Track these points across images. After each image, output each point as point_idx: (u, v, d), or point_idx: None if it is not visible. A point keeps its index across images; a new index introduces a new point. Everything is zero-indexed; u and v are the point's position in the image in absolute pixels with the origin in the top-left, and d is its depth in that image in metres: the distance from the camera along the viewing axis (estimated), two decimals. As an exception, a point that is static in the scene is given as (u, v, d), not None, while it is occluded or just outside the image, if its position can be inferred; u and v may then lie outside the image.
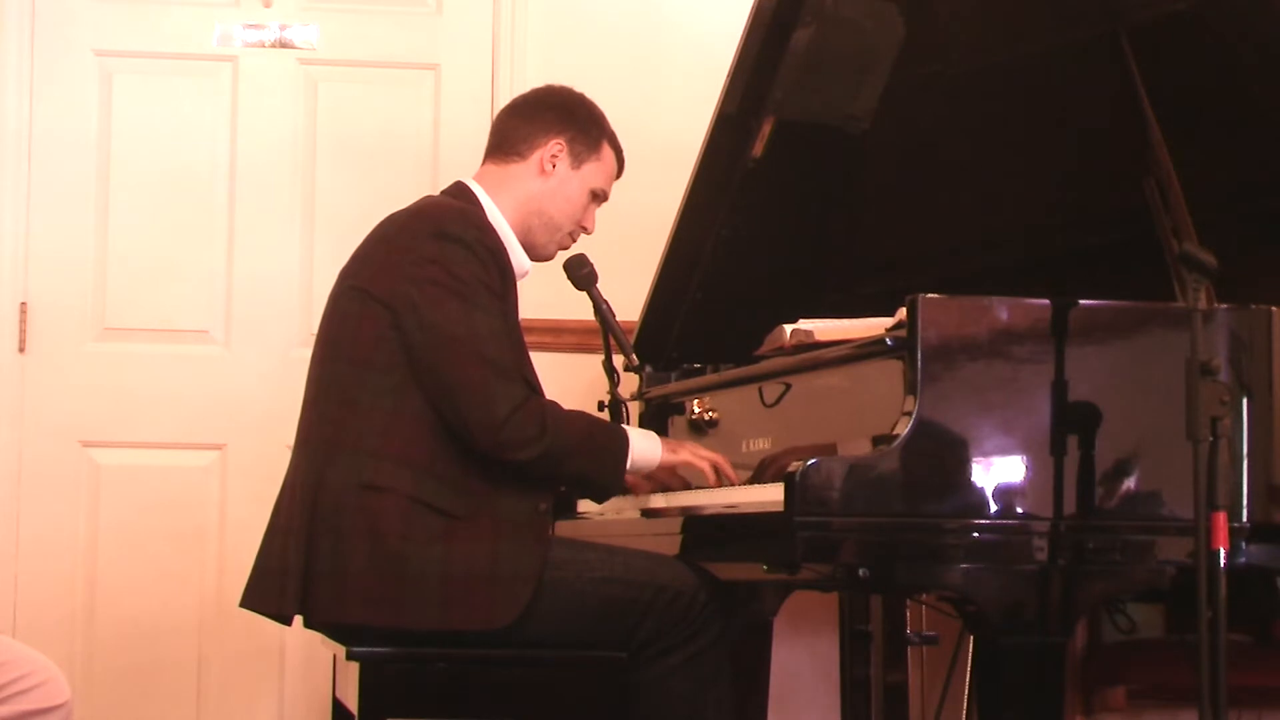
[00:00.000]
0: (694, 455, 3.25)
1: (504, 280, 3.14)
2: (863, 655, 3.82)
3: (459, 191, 3.29)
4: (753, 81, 3.66)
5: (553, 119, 3.31)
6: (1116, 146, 3.29)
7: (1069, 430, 2.82)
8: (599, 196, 3.36)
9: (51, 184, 4.49)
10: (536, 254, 3.33)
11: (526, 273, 3.30)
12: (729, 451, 3.39)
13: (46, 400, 4.45)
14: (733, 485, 3.24)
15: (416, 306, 3.07)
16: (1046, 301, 2.86)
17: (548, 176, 3.29)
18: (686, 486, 3.31)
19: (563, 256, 3.43)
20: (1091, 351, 2.86)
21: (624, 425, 3.29)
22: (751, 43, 3.62)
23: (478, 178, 3.31)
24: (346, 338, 3.14)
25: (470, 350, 3.05)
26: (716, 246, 3.80)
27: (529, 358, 3.19)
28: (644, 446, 3.20)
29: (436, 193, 3.38)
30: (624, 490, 3.26)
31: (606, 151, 3.34)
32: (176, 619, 4.44)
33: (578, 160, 3.31)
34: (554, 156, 3.29)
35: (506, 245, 3.20)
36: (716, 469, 3.25)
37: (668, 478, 3.29)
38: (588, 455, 3.13)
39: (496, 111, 3.53)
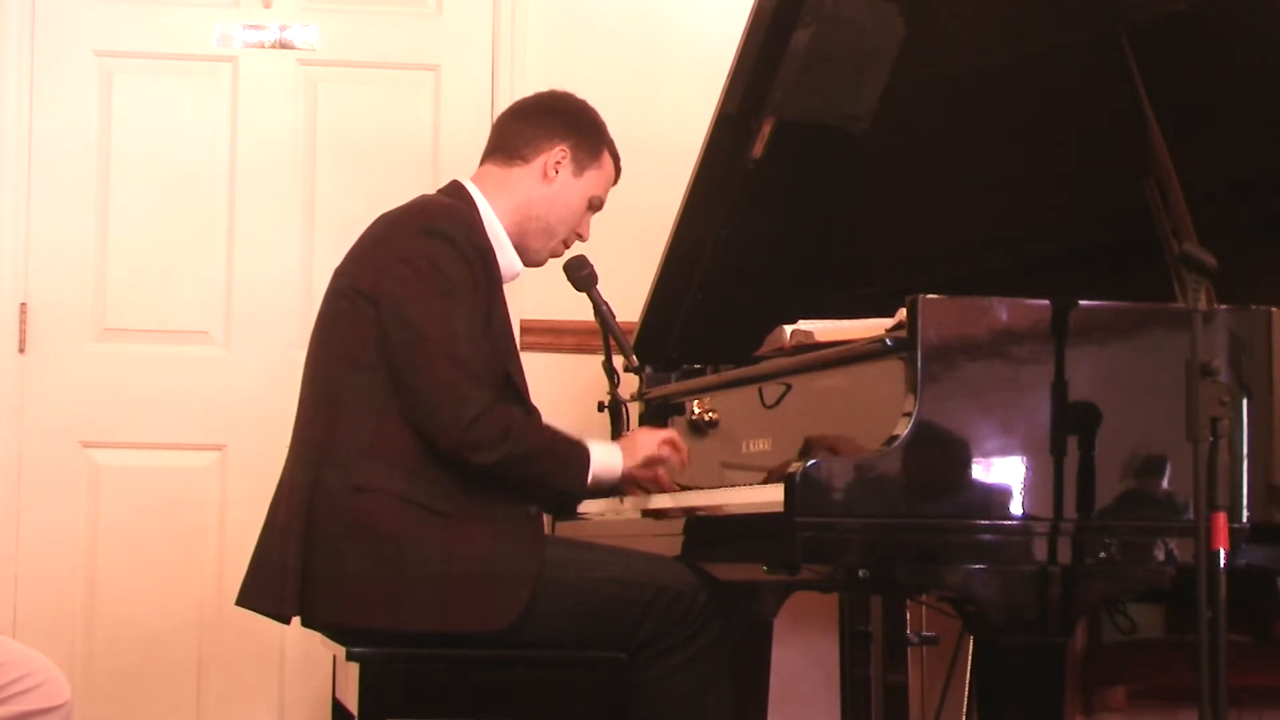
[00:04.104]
0: (648, 469, 3.25)
1: (489, 280, 3.13)
2: (863, 655, 3.82)
3: (454, 191, 3.29)
4: (753, 81, 3.66)
5: (557, 125, 3.30)
6: (1116, 146, 3.29)
7: (1069, 430, 2.82)
8: (595, 205, 3.36)
9: (51, 184, 4.49)
10: (529, 259, 3.32)
11: (517, 275, 3.30)
12: (729, 452, 3.40)
13: (46, 400, 4.45)
14: (677, 481, 3.24)
15: (398, 301, 3.07)
16: (1046, 301, 2.86)
17: (550, 182, 3.29)
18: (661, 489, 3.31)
19: (563, 257, 3.42)
20: (1091, 352, 2.86)
21: (586, 439, 3.26)
22: (751, 43, 3.62)
23: (475, 179, 3.31)
24: (337, 338, 3.14)
25: (443, 350, 3.05)
26: (716, 246, 3.80)
27: (517, 358, 3.19)
28: (605, 458, 3.19)
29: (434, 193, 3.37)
30: (580, 501, 3.25)
31: (606, 160, 3.35)
32: (176, 619, 4.44)
33: (580, 168, 3.31)
34: (558, 163, 3.29)
35: (497, 246, 3.20)
36: (667, 468, 3.26)
37: (633, 485, 3.29)
38: (548, 464, 3.13)
39: (497, 112, 3.54)
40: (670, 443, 3.28)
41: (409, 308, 3.06)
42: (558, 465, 3.14)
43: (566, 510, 3.31)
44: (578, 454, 3.17)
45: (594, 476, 3.17)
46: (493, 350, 3.11)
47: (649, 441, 3.27)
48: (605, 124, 3.36)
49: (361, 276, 3.14)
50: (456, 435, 3.02)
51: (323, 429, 3.10)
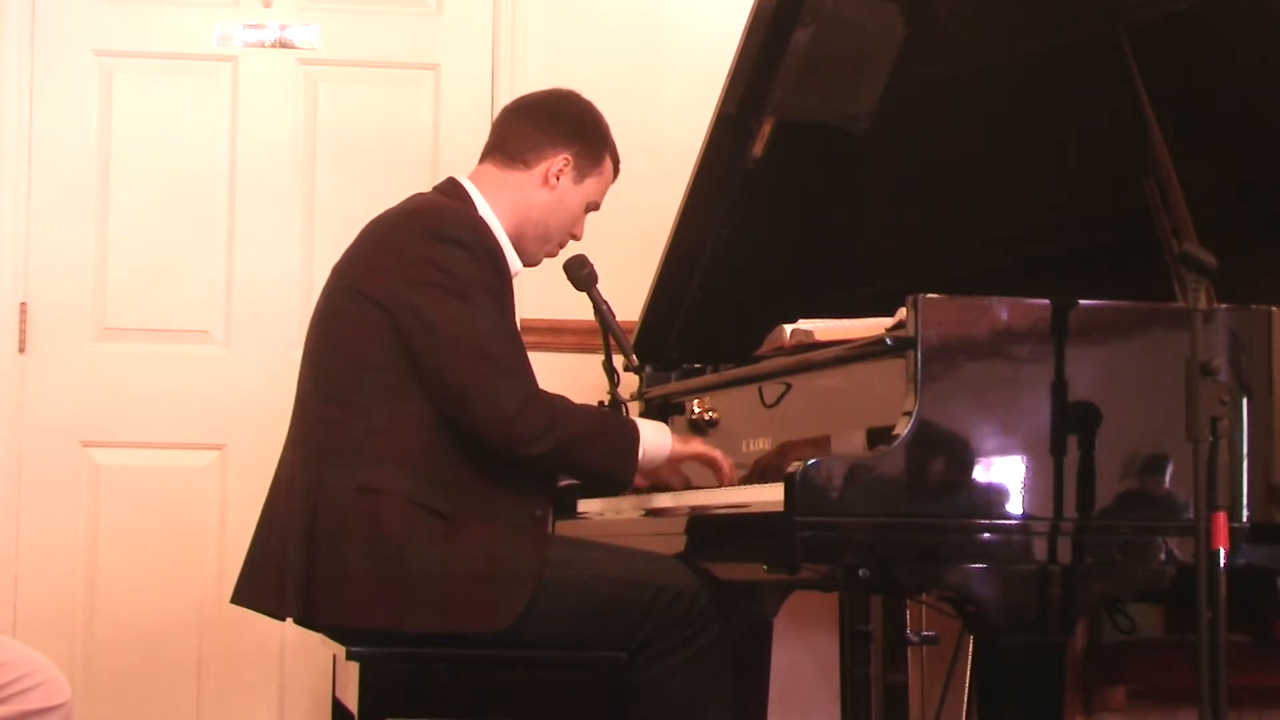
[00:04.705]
0: (705, 448, 3.26)
1: (501, 279, 3.13)
2: (863, 655, 3.82)
3: (451, 189, 3.27)
4: (753, 81, 3.66)
5: (562, 131, 3.28)
6: (1116, 146, 3.28)
7: (1069, 430, 2.82)
8: (591, 207, 3.36)
9: (51, 184, 4.49)
10: (524, 260, 3.31)
11: (518, 273, 3.29)
12: (729, 451, 3.39)
13: (46, 400, 4.45)
14: (733, 485, 3.24)
15: (416, 309, 3.06)
16: (1046, 301, 2.86)
17: (551, 189, 3.28)
18: (687, 485, 3.31)
19: (563, 257, 3.42)
20: (1091, 351, 2.86)
21: (634, 418, 3.27)
22: (751, 43, 3.62)
23: (474, 176, 3.29)
24: (340, 337, 3.13)
25: (474, 349, 3.04)
26: (716, 246, 3.80)
27: (526, 356, 3.19)
28: (655, 438, 3.19)
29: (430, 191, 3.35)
30: (633, 480, 3.24)
31: (607, 166, 3.34)
32: (176, 619, 4.44)
33: (581, 175, 3.29)
34: (560, 171, 3.27)
35: (500, 244, 3.19)
36: (729, 466, 3.26)
37: (672, 474, 3.29)
38: (597, 446, 3.13)
39: (497, 111, 3.52)
40: (725, 463, 3.28)
41: (431, 313, 3.05)
42: (607, 447, 3.14)
43: (613, 490, 3.28)
44: (627, 434, 3.16)
45: (644, 454, 3.16)
46: (517, 344, 3.11)
47: (704, 443, 3.28)
48: (608, 127, 3.35)
49: (366, 279, 3.12)
50: (502, 431, 3.02)
51: (327, 428, 3.10)
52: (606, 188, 3.36)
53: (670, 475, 3.31)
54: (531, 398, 3.05)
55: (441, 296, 3.06)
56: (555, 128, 3.29)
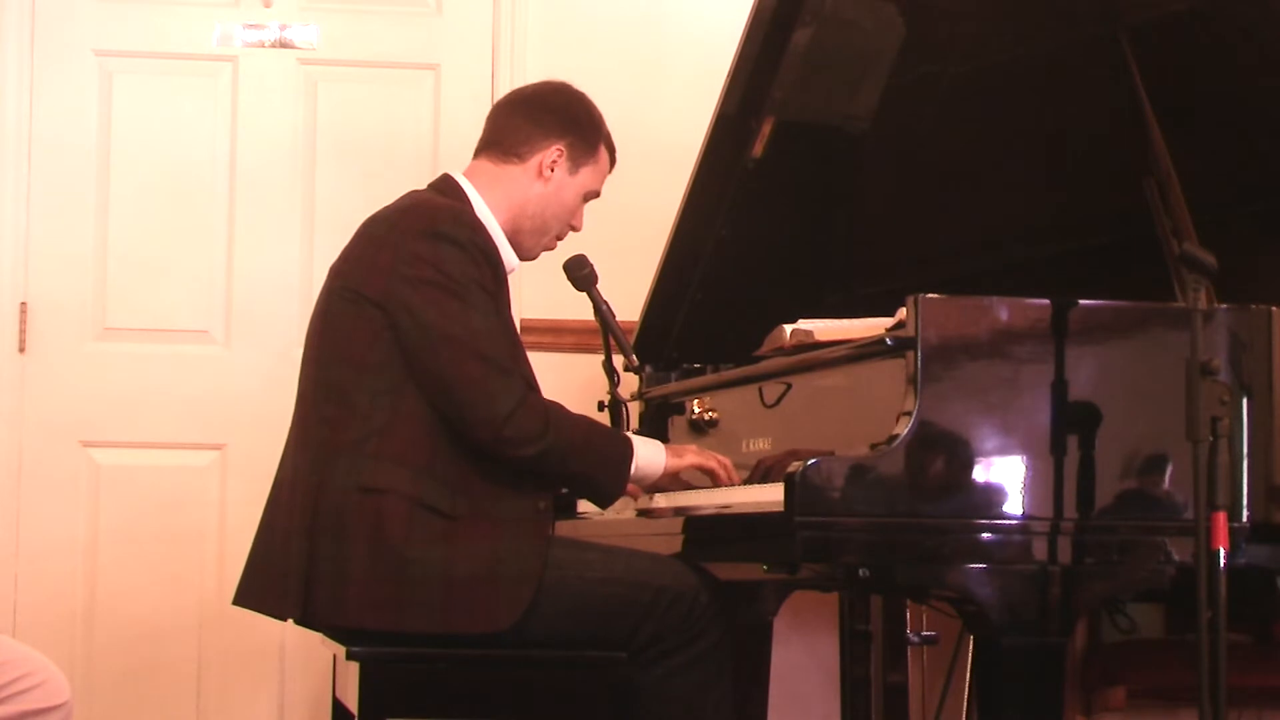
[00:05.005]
0: (700, 458, 3.25)
1: (496, 278, 3.13)
2: (863, 655, 3.82)
3: (446, 187, 3.26)
4: (753, 81, 3.66)
5: (554, 123, 3.28)
6: (1116, 146, 3.29)
7: (1069, 430, 2.82)
8: (590, 196, 3.35)
9: (51, 184, 4.49)
10: (522, 255, 3.30)
11: (514, 269, 3.29)
12: (729, 451, 3.39)
13: (46, 400, 4.45)
14: (735, 486, 3.24)
15: (411, 308, 3.06)
16: (1046, 301, 2.86)
17: (546, 182, 3.27)
18: (686, 486, 3.31)
19: (563, 257, 3.42)
20: (1091, 351, 2.86)
21: (628, 433, 3.27)
22: (751, 43, 3.62)
23: (468, 173, 3.28)
24: (340, 338, 3.13)
25: (469, 349, 3.04)
26: (716, 246, 3.80)
27: (525, 355, 3.19)
28: (648, 454, 3.19)
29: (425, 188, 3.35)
30: (621, 494, 3.24)
31: (602, 154, 3.32)
32: (176, 619, 4.44)
33: (575, 166, 3.29)
34: (553, 163, 3.26)
35: (496, 242, 3.19)
36: (725, 469, 3.26)
37: (670, 485, 3.29)
38: (590, 456, 3.12)
39: (496, 110, 3.52)
40: (724, 464, 3.28)
41: (426, 312, 3.04)
42: (599, 459, 3.13)
43: (602, 502, 3.29)
44: (620, 447, 3.16)
45: (637, 470, 3.17)
46: (512, 344, 3.11)
47: (702, 451, 3.27)
48: (602, 116, 3.33)
49: (363, 279, 3.11)
50: (495, 431, 3.02)
51: (328, 429, 3.09)
52: (604, 177, 3.35)
53: (669, 485, 3.30)
54: (526, 400, 3.05)
55: (437, 295, 3.06)
56: (547, 119, 3.28)
